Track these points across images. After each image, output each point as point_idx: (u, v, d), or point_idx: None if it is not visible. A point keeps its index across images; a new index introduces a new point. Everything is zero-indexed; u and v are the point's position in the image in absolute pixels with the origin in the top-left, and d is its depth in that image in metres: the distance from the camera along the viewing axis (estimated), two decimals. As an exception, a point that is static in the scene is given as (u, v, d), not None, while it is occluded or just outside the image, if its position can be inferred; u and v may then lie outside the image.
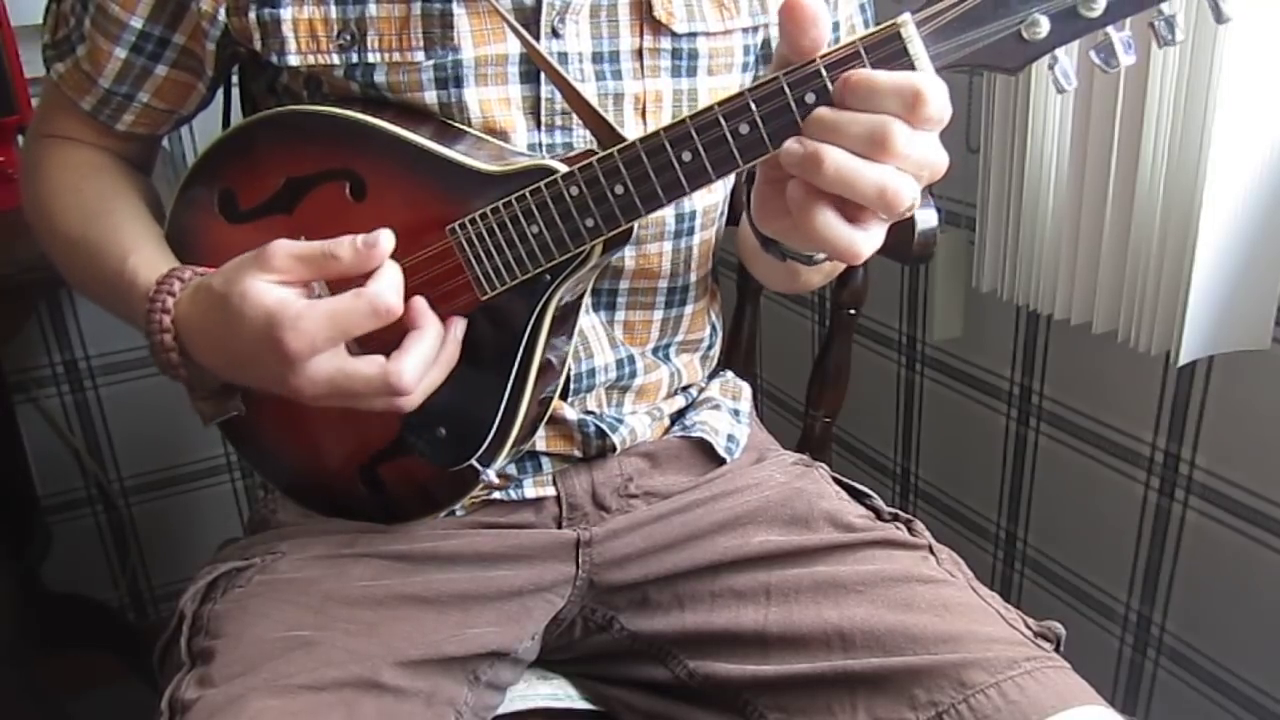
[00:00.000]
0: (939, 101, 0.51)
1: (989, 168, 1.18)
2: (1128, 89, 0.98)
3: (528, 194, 0.62)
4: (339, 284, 0.63)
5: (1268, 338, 1.02)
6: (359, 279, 0.62)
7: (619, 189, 0.60)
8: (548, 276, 0.65)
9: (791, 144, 0.53)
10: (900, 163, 0.52)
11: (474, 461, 0.70)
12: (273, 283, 0.61)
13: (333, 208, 0.68)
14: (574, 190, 0.61)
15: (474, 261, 0.65)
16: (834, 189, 0.53)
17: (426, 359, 0.64)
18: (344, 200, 0.68)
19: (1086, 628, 1.34)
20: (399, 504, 0.76)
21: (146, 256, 0.71)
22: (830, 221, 0.54)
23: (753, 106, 0.55)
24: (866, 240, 0.55)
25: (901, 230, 0.92)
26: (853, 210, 0.54)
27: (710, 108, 0.56)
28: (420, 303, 0.65)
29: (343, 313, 0.60)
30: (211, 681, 0.65)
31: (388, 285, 0.61)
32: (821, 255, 0.61)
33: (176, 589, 1.12)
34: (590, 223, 0.62)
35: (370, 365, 0.62)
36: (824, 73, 0.53)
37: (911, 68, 0.52)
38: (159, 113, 0.79)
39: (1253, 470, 1.09)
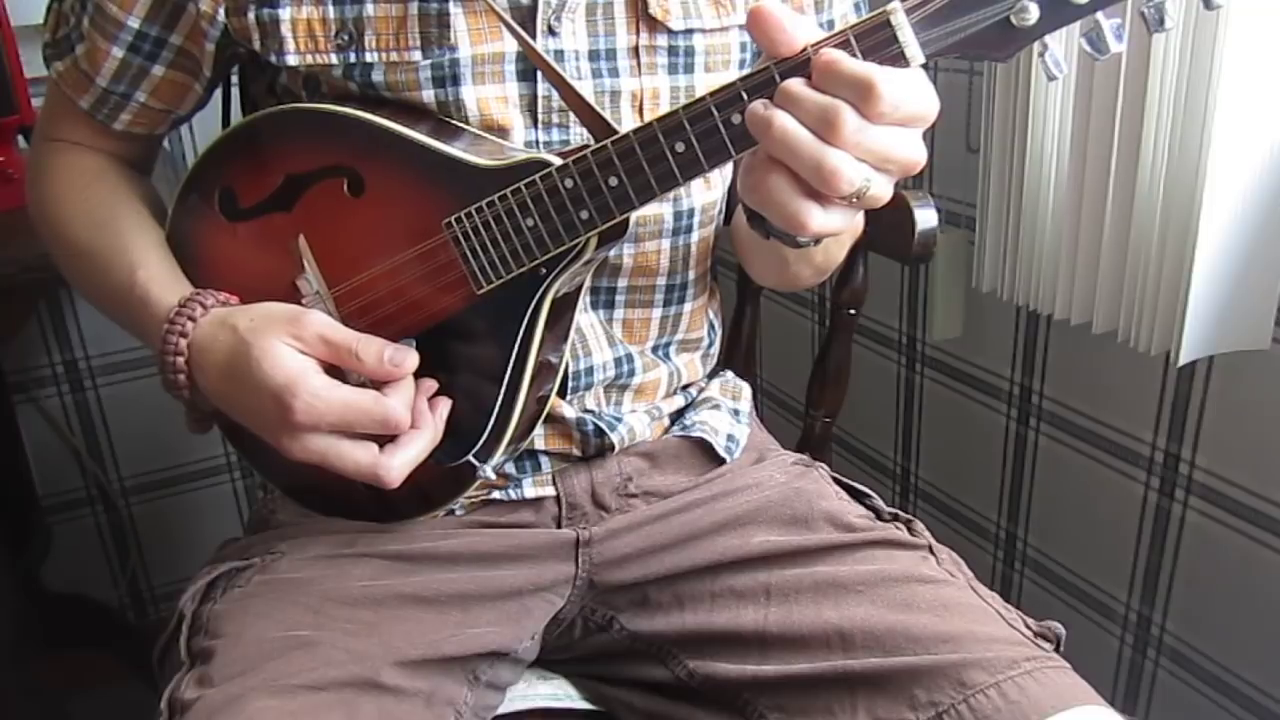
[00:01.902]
0: (896, 97, 0.52)
1: (989, 168, 1.17)
2: (1127, 89, 0.98)
3: (523, 187, 0.63)
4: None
5: (1268, 338, 1.02)
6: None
7: (613, 180, 0.60)
8: (543, 270, 0.65)
9: (756, 104, 0.54)
10: (850, 149, 0.53)
11: (471, 458, 0.70)
12: (297, 350, 0.64)
13: (331, 204, 0.69)
14: (569, 183, 0.61)
15: (470, 255, 0.66)
16: (777, 154, 0.54)
17: (417, 459, 0.67)
18: (342, 196, 0.68)
19: (1086, 628, 1.34)
20: (397, 502, 0.76)
21: (155, 272, 0.73)
22: (781, 185, 0.55)
23: (745, 96, 0.55)
24: (820, 216, 0.55)
25: (901, 230, 0.92)
26: (810, 185, 0.55)
27: (703, 98, 0.57)
28: (425, 405, 0.68)
29: (355, 410, 0.64)
30: (211, 681, 0.65)
31: (403, 403, 0.65)
32: (804, 239, 0.62)
33: (176, 589, 1.11)
34: (585, 215, 0.62)
35: (365, 454, 0.65)
36: (812, 61, 0.54)
37: (902, 55, 0.53)
38: (156, 112, 0.79)
39: (1253, 470, 1.09)
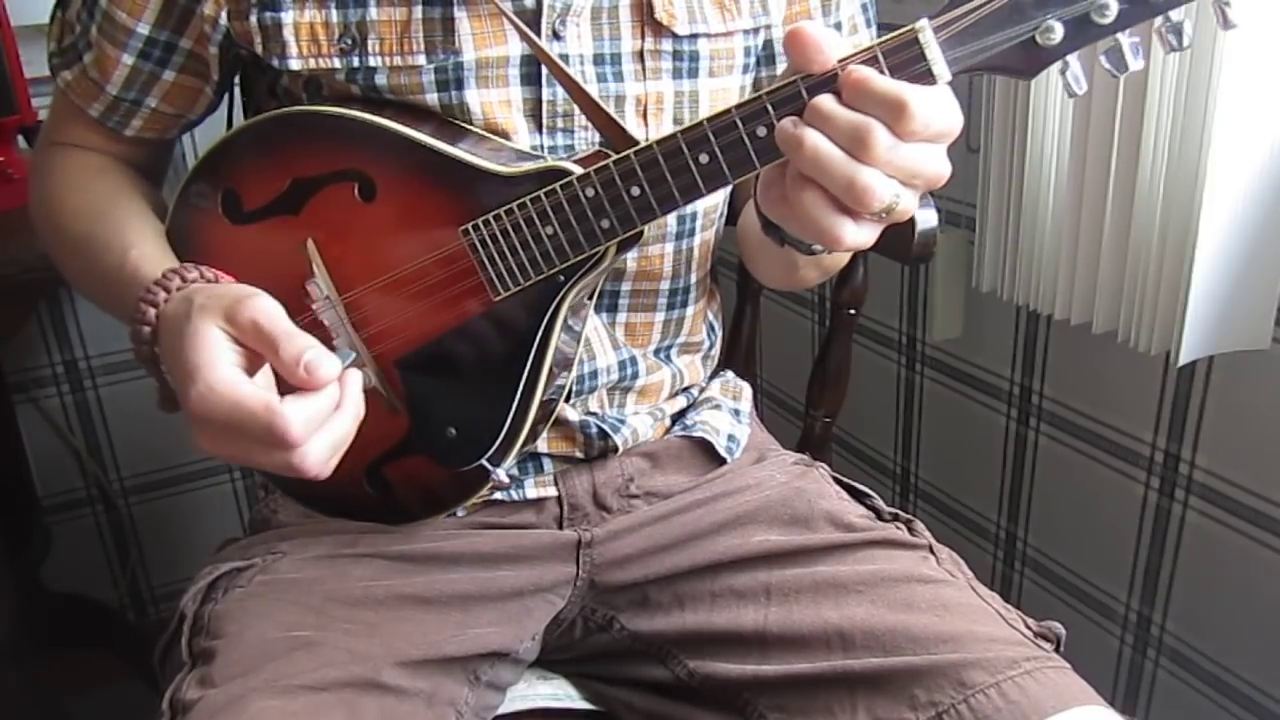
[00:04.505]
0: (927, 115, 0.52)
1: (989, 168, 1.18)
2: (1128, 90, 0.98)
3: (543, 195, 0.63)
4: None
5: (1268, 338, 1.02)
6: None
7: (635, 191, 0.60)
8: (561, 277, 0.65)
9: (786, 122, 0.55)
10: (881, 166, 0.53)
11: (484, 461, 0.70)
12: (225, 336, 0.59)
13: (342, 209, 0.68)
14: (590, 192, 0.61)
15: (488, 263, 0.66)
16: (809, 172, 0.54)
17: (339, 444, 0.60)
18: (353, 201, 0.68)
19: (1086, 628, 1.34)
20: (405, 505, 0.76)
21: (148, 251, 0.71)
22: (816, 202, 0.55)
23: (770, 110, 0.56)
24: (853, 231, 0.56)
25: (901, 230, 0.92)
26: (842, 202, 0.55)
27: (728, 110, 0.57)
28: (349, 382, 0.60)
29: (243, 412, 0.57)
30: (212, 681, 0.65)
31: (300, 416, 0.57)
32: (818, 246, 0.62)
33: (176, 589, 1.11)
34: (606, 224, 0.62)
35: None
36: (841, 78, 0.54)
37: (929, 73, 0.53)
38: (167, 117, 0.79)
39: (1253, 470, 1.09)
